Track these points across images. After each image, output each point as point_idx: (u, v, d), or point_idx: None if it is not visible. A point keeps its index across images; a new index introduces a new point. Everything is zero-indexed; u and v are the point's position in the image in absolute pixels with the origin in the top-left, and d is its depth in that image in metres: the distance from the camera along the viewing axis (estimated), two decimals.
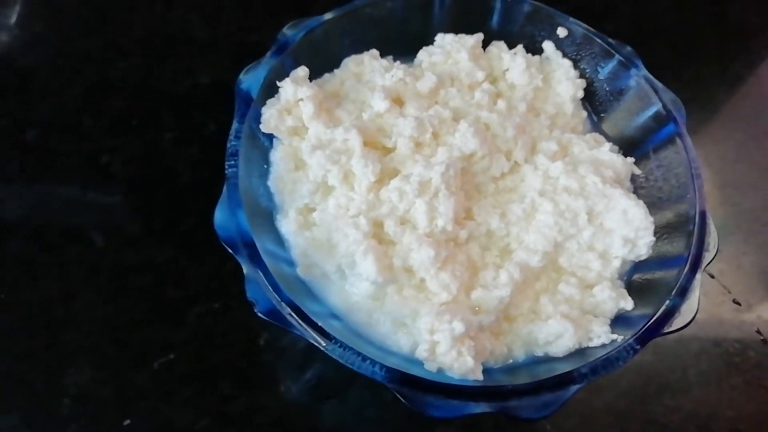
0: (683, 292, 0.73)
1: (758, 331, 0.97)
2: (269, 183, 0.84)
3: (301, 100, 0.82)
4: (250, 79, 0.83)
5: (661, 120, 0.86)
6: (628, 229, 0.79)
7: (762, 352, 0.96)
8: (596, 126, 0.97)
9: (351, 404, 0.85)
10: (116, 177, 1.02)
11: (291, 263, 0.79)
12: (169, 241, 0.95)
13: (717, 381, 0.92)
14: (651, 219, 0.79)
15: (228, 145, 0.78)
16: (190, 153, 1.05)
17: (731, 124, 1.22)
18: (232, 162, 0.77)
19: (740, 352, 0.95)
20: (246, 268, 0.71)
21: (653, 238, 0.78)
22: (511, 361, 0.76)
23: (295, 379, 0.86)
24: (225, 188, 0.75)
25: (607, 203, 0.80)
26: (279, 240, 0.81)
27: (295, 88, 0.82)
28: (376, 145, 0.83)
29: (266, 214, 0.82)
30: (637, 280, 0.83)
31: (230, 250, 0.72)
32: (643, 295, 0.80)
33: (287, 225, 0.80)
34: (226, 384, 0.84)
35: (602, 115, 0.97)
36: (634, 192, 0.90)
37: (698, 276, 0.74)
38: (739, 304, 0.99)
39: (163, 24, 1.23)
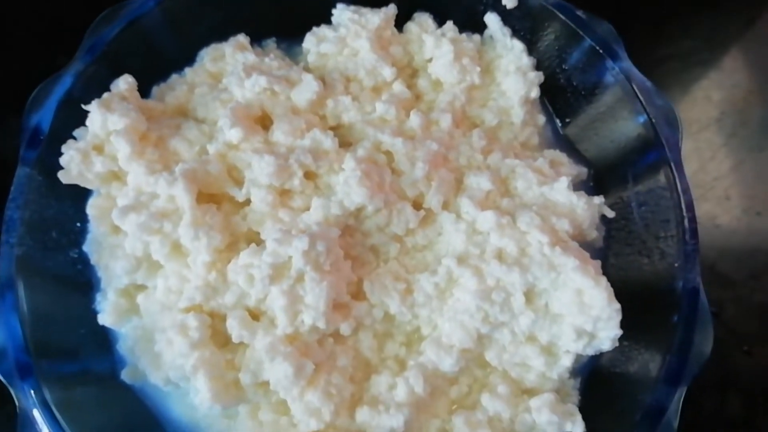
0: (655, 417, 0.51)
1: None
2: (85, 248, 0.60)
3: (113, 133, 0.56)
4: (44, 105, 0.58)
5: (645, 141, 0.59)
6: (584, 318, 0.54)
7: None
8: (557, 134, 0.69)
9: None
10: None
11: (117, 361, 0.59)
12: None
13: None
14: (617, 306, 0.53)
15: (6, 209, 0.54)
16: None
17: None
18: (13, 237, 0.54)
19: None
20: (20, 405, 0.50)
21: (620, 331, 0.54)
22: None
23: None
24: None
25: (556, 279, 0.55)
26: (100, 329, 0.59)
27: (105, 116, 0.56)
28: (222, 197, 0.58)
29: (82, 292, 0.60)
30: (604, 368, 0.60)
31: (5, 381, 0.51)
32: (607, 394, 0.58)
33: (105, 314, 0.57)
34: None
35: (567, 120, 0.69)
36: (607, 235, 0.64)
37: (679, 394, 0.51)
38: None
39: None
